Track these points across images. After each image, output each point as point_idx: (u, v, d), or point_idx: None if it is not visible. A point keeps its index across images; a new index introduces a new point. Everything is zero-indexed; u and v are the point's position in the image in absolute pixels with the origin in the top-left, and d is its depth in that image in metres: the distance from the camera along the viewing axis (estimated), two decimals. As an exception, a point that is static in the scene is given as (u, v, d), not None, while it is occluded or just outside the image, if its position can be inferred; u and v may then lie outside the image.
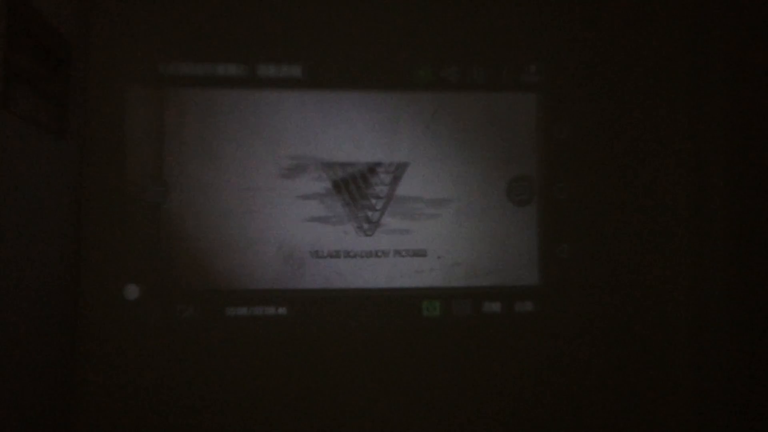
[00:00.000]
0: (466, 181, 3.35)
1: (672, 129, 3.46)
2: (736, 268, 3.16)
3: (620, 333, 3.39)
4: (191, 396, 3.15)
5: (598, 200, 3.42)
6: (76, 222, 3.06)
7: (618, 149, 3.44)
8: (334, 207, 3.28)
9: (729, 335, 3.14)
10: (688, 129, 3.44)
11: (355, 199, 3.29)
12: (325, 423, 3.21)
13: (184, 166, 3.20)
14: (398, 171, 3.32)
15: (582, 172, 3.42)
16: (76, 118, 3.04)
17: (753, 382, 3.11)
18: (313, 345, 3.23)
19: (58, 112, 2.88)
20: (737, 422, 3.10)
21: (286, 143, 3.26)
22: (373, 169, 3.31)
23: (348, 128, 3.30)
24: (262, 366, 3.20)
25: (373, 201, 3.30)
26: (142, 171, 3.19)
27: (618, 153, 3.44)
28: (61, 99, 2.90)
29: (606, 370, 3.37)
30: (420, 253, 3.31)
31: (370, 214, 3.30)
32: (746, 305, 3.13)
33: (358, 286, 3.26)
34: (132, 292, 3.17)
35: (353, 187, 3.30)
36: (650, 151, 3.45)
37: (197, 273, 3.19)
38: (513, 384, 3.32)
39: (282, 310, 3.23)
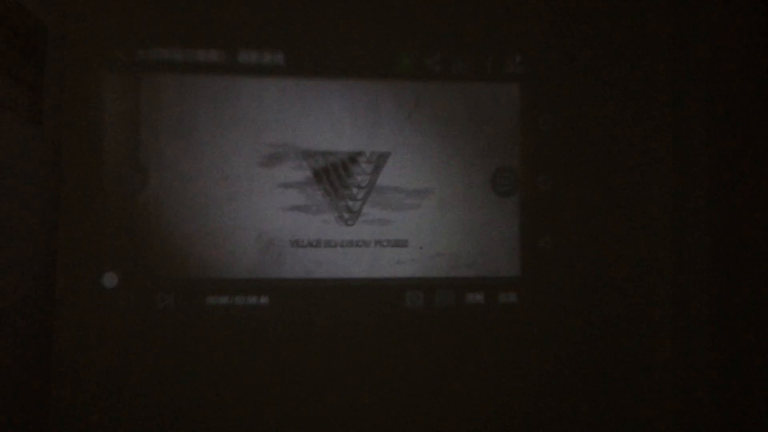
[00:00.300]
0: (448, 171, 3.33)
1: (655, 121, 3.46)
2: (717, 258, 3.16)
3: (603, 324, 3.39)
4: (171, 386, 3.13)
5: (582, 192, 3.41)
6: (52, 209, 3.02)
7: (601, 141, 3.43)
8: (314, 196, 3.25)
9: (710, 326, 3.15)
10: (671, 121, 3.43)
11: (335, 189, 3.26)
12: (307, 414, 3.19)
13: (162, 153, 3.16)
14: (379, 161, 3.30)
15: (565, 164, 3.41)
16: (53, 104, 2.99)
17: (733, 368, 3.12)
18: (296, 335, 3.21)
19: (33, 97, 2.83)
20: (718, 407, 3.12)
21: (266, 131, 3.23)
22: (354, 158, 3.28)
23: (329, 117, 3.27)
24: (243, 356, 3.18)
25: (354, 190, 3.28)
26: (119, 158, 3.15)
27: (601, 144, 3.43)
28: (36, 84, 2.85)
29: (588, 360, 3.37)
30: (401, 243, 3.30)
31: (350, 203, 3.27)
32: (727, 295, 3.14)
33: (339, 276, 3.24)
34: (110, 280, 3.13)
35: (334, 176, 3.27)
36: (633, 143, 3.44)
37: (176, 261, 3.15)
38: (496, 374, 3.31)
39: (264, 300, 3.20)
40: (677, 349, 3.36)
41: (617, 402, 3.38)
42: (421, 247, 3.30)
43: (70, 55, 3.10)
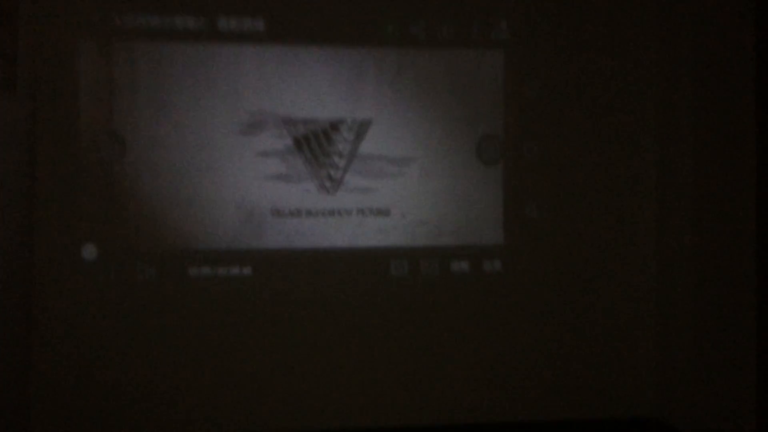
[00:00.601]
0: (432, 139, 3.28)
1: (642, 88, 3.41)
2: (701, 225, 3.14)
3: (586, 290, 3.38)
4: (153, 358, 3.11)
5: (567, 160, 3.37)
6: (29, 179, 2.98)
7: (587, 108, 3.38)
8: (295, 165, 3.20)
9: (693, 293, 3.14)
10: (658, 88, 3.39)
11: (316, 157, 3.22)
12: (292, 383, 3.18)
13: (139, 122, 3.11)
14: (361, 128, 3.24)
15: (551, 132, 3.36)
16: (27, 72, 2.93)
17: (714, 334, 3.12)
18: (279, 305, 3.19)
19: (7, 65, 2.78)
20: (699, 373, 3.12)
21: (246, 99, 3.16)
22: (335, 126, 3.23)
23: (310, 84, 3.20)
24: (226, 327, 3.16)
25: (336, 159, 3.23)
26: (95, 127, 3.09)
27: (587, 112, 3.39)
28: (9, 52, 2.80)
29: (572, 326, 3.36)
30: (384, 212, 3.26)
31: (332, 172, 3.23)
32: (710, 261, 3.13)
33: (321, 246, 3.21)
34: (90, 251, 3.10)
35: (315, 144, 3.22)
36: (620, 111, 3.40)
37: (156, 232, 3.12)
38: (481, 341, 3.30)
39: (247, 270, 3.18)
40: (662, 315, 3.35)
41: (601, 366, 3.37)
42: (403, 216, 3.26)
43: (45, 21, 3.03)
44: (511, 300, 3.34)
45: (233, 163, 3.15)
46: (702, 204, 3.14)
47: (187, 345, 3.13)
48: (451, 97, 3.30)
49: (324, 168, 3.22)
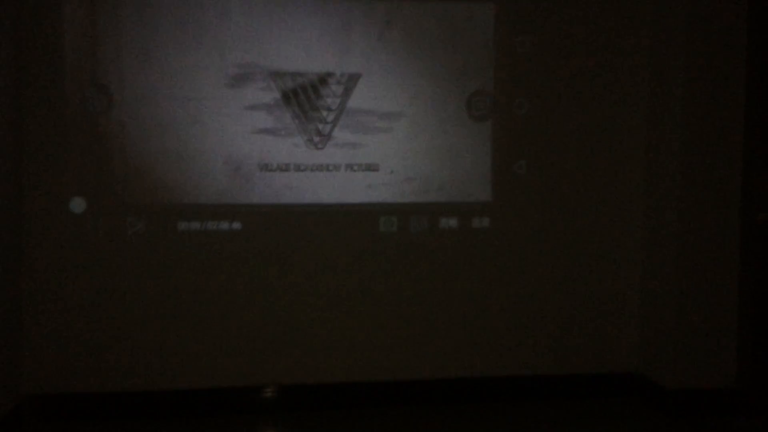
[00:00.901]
0: (421, 94, 3.25)
1: (635, 46, 3.37)
2: (688, 185, 3.14)
3: (573, 249, 3.39)
4: (143, 312, 3.13)
5: (557, 116, 3.35)
6: (16, 132, 2.95)
7: (579, 64, 3.35)
8: (283, 119, 3.18)
9: (678, 252, 3.16)
10: (650, 44, 3.35)
11: (305, 111, 3.19)
12: (280, 338, 3.21)
13: (125, 74, 3.07)
14: (350, 82, 3.21)
15: (541, 88, 3.33)
16: (11, 23, 2.88)
17: (697, 293, 3.16)
18: (269, 260, 3.20)
19: (-12, 13, 2.72)
20: (682, 331, 3.16)
21: (233, 51, 3.12)
22: (324, 79, 3.19)
23: (298, 36, 3.16)
24: (216, 281, 3.17)
25: (324, 113, 3.21)
26: (81, 79, 3.05)
27: (578, 68, 3.35)
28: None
29: (559, 285, 3.39)
30: (372, 167, 3.24)
31: (320, 126, 3.21)
32: (695, 220, 3.14)
33: (310, 201, 3.21)
34: (78, 205, 3.09)
35: (303, 98, 3.19)
36: (611, 68, 3.36)
37: (144, 186, 3.11)
38: (469, 298, 3.33)
39: (236, 225, 3.18)
40: (645, 273, 3.38)
41: (586, 323, 3.41)
42: (392, 171, 3.25)
43: (27, -30, 2.97)
44: (499, 256, 3.35)
45: (220, 116, 3.12)
46: (690, 161, 3.13)
47: (177, 299, 3.14)
48: (442, 52, 3.26)
49: (312, 122, 3.20)
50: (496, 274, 3.35)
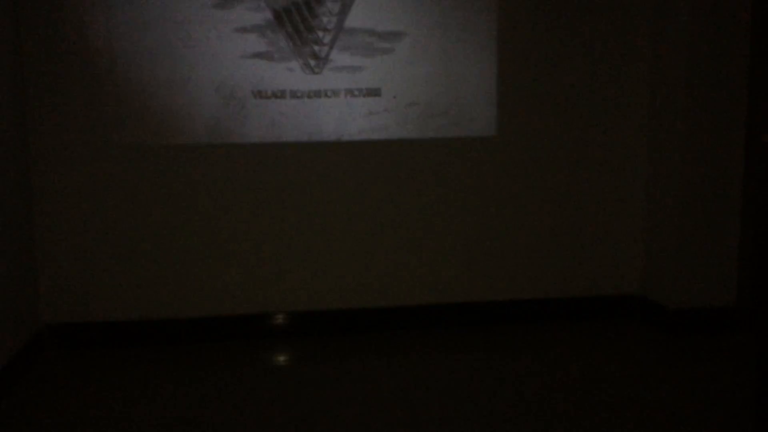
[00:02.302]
0: (423, 12, 3.02)
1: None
2: (693, 105, 3.05)
3: (577, 173, 3.32)
4: (158, 242, 3.01)
5: (562, 36, 3.18)
6: (17, 69, 2.70)
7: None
8: (276, 41, 2.95)
9: (681, 175, 3.10)
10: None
11: (299, 32, 2.96)
12: (280, 267, 3.13)
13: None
14: (347, -1, 2.97)
15: (550, 5, 3.14)
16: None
17: (699, 216, 3.13)
18: (269, 186, 3.08)
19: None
20: (684, 253, 3.16)
21: (218, -34, 2.85)
22: (319, -5, 2.95)
23: (289, -52, 2.89)
24: (229, 209, 3.05)
25: (320, 34, 2.98)
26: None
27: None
28: None
29: (564, 208, 3.33)
30: (374, 93, 3.06)
31: (316, 48, 2.99)
32: (699, 141, 3.08)
33: (308, 129, 3.02)
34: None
35: (297, 17, 2.95)
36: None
37: (136, 119, 2.92)
38: (473, 220, 3.26)
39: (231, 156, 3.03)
40: (648, 196, 3.33)
41: (590, 246, 3.39)
42: (394, 96, 3.07)
43: None
44: (503, 180, 3.27)
45: (210, 40, 2.89)
46: (695, 81, 3.04)
47: (191, 228, 3.03)
48: (445, -38, 3.01)
49: (308, 45, 2.98)
50: (499, 196, 3.28)
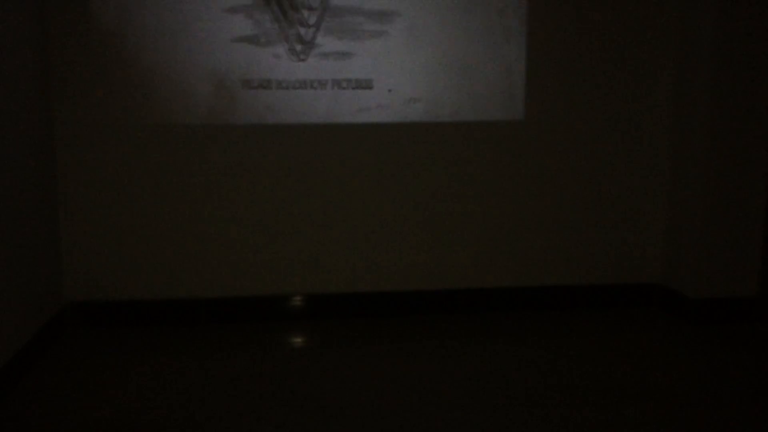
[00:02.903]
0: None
1: None
2: (719, 94, 2.87)
3: (601, 162, 3.13)
4: (180, 224, 3.08)
5: (592, 24, 2.91)
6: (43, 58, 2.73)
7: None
8: (262, 23, 2.76)
9: (705, 164, 2.95)
10: None
11: (285, 12, 2.75)
12: (279, 252, 3.13)
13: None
14: (332, -25, 2.69)
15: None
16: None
17: (721, 207, 2.99)
18: (272, 172, 3.04)
19: None
20: (705, 243, 3.02)
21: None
22: (302, -31, 2.67)
23: None
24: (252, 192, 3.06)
25: (305, 13, 2.75)
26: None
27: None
28: None
29: (587, 197, 3.18)
30: (364, 85, 2.84)
31: (302, 31, 2.78)
32: (724, 129, 2.92)
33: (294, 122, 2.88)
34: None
35: (283, -4, 2.71)
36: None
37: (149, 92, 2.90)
38: (495, 208, 3.15)
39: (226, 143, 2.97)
40: (670, 186, 3.17)
41: (612, 234, 3.22)
42: (389, 90, 2.83)
43: None
44: (525, 169, 3.12)
45: (201, 21, 2.75)
46: (722, 68, 2.86)
47: (212, 210, 3.07)
48: None
49: (293, 26, 2.77)
50: (521, 184, 3.13)
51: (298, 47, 2.81)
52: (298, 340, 3.04)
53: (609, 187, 3.18)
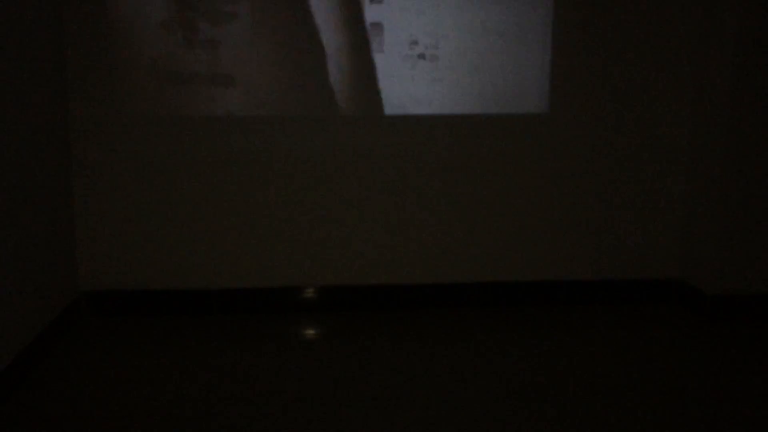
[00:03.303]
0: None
1: None
2: (738, 87, 2.83)
3: (619, 157, 3.10)
4: (192, 214, 3.06)
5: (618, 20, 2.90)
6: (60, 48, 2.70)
7: None
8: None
9: (723, 160, 2.91)
10: None
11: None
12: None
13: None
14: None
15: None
16: None
17: (740, 203, 2.95)
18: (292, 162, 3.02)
19: None
20: (724, 238, 2.99)
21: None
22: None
23: None
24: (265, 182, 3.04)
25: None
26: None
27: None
28: None
29: (605, 192, 3.15)
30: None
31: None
32: (743, 125, 2.88)
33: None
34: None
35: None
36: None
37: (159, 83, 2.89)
38: (513, 202, 3.13)
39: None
40: (690, 177, 3.12)
41: (630, 229, 3.19)
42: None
43: None
44: (545, 162, 3.09)
45: None
46: (741, 62, 2.82)
47: (225, 200, 3.06)
48: None
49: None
50: (541, 178, 3.11)
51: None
52: (310, 332, 3.04)
53: (628, 182, 3.15)
